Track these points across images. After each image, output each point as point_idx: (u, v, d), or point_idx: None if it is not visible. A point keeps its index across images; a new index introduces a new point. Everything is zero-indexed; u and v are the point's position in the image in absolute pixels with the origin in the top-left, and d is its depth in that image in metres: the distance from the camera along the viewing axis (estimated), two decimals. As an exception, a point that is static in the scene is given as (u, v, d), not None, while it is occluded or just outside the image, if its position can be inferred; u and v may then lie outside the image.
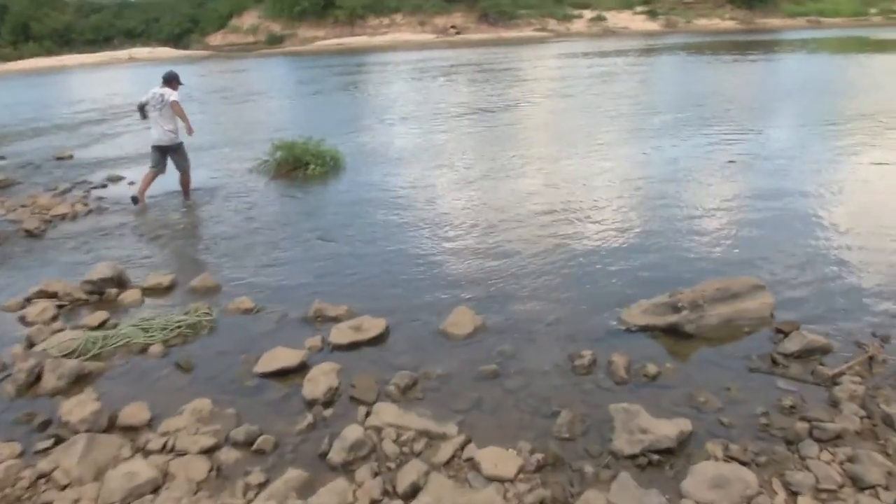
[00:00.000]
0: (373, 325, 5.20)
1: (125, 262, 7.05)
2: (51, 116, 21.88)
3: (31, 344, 5.31)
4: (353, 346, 5.02)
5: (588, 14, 68.39)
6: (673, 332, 5.00)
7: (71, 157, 13.72)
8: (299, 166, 10.70)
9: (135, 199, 9.36)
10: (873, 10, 67.80)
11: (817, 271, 6.09)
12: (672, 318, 5.04)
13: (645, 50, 38.52)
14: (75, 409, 4.21)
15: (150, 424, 4.17)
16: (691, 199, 8.50)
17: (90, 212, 9.26)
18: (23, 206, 9.47)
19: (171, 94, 9.23)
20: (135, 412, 4.24)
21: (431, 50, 50.08)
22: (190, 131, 9.30)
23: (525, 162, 10.88)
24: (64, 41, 74.49)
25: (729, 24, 66.61)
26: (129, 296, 6.14)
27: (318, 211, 8.77)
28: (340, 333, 5.12)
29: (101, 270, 6.30)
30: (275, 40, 69.88)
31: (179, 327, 5.38)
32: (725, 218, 7.71)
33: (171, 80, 9.45)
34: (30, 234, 8.27)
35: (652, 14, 67.89)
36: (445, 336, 5.12)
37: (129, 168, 12.22)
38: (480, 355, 4.80)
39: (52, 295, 6.16)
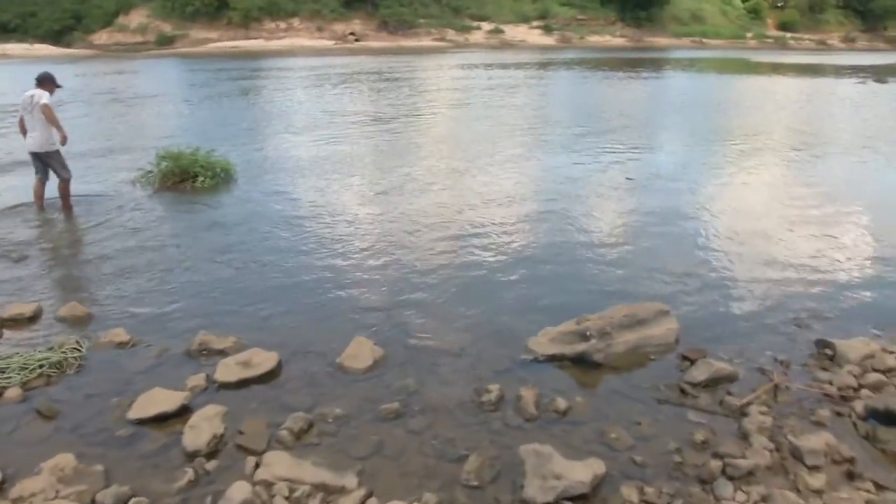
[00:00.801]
0: (263, 360, 4.78)
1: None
2: None
3: None
4: (242, 383, 4.58)
5: (486, 26, 69.52)
6: (581, 362, 4.84)
7: (-75, 163, 12.42)
8: (187, 178, 10.03)
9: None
10: (749, 34, 72.69)
11: (717, 294, 6.13)
12: (580, 347, 4.89)
13: (541, 63, 39.33)
14: None
15: (1, 488, 3.61)
16: (594, 220, 8.49)
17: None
18: None
19: (42, 97, 8.44)
20: (-19, 474, 3.67)
21: (330, 56, 49.38)
22: (63, 140, 8.53)
23: (427, 177, 10.63)
24: (-74, 34, 68.76)
25: (619, 41, 69.30)
26: (-15, 328, 5.45)
27: (206, 229, 8.15)
28: (227, 370, 4.67)
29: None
30: (165, 41, 67.18)
31: (42, 367, 4.76)
32: (627, 239, 7.71)
33: (44, 81, 8.64)
34: None
35: (547, 29, 69.80)
36: (343, 370, 4.76)
37: (-4, 177, 11.18)
38: (381, 392, 4.48)
39: None
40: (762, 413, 4.09)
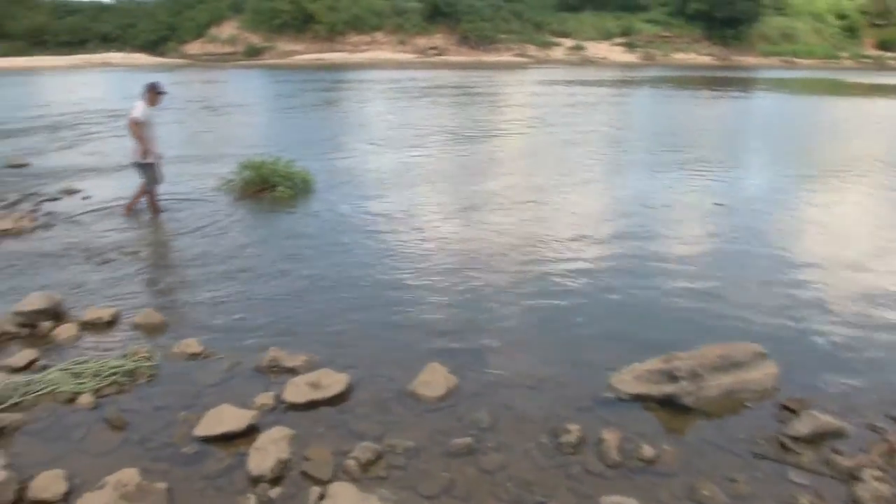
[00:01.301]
0: (333, 382, 4.61)
1: (66, 288, 6.41)
2: (14, 120, 20.96)
3: (-58, 388, 4.65)
4: (311, 405, 4.42)
5: (568, 42, 68.95)
6: (669, 404, 4.48)
7: (27, 164, 12.95)
8: (266, 187, 10.10)
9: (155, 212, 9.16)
10: (844, 54, 69.38)
11: (819, 334, 5.64)
12: (668, 388, 4.53)
13: (624, 81, 38.59)
14: (-24, 479, 3.57)
15: (66, 499, 3.55)
16: (681, 247, 8.02)
17: (37, 228, 8.56)
18: (-37, 219, 8.73)
19: (134, 110, 8.63)
20: (48, 483, 3.61)
21: (411, 69, 49.76)
22: (142, 154, 8.71)
23: (507, 195, 10.35)
24: (37, 42, 72.97)
25: (705, 59, 67.58)
26: (65, 331, 5.49)
27: (283, 240, 8.12)
28: (296, 390, 4.52)
29: (34, 301, 5.64)
30: (253, 52, 69.24)
31: (115, 374, 4.73)
32: (718, 269, 7.23)
33: (146, 92, 8.79)
34: (-35, 251, 7.57)
35: (630, 46, 68.64)
36: (415, 398, 4.55)
37: (88, 179, 11.55)
38: (453, 424, 4.24)
39: (-22, 327, 5.50)
40: (877, 479, 3.65)
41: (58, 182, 11.29)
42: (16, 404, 4.44)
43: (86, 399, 4.47)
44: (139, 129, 8.62)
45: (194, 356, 5.08)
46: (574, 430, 4.09)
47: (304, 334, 5.49)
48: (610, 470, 3.83)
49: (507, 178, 11.50)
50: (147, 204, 9.16)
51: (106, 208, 9.56)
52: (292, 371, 4.84)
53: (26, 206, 9.66)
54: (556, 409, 4.44)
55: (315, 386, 4.55)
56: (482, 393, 4.65)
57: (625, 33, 70.08)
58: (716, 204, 9.93)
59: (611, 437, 4.02)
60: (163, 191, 9.44)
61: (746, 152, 15.07)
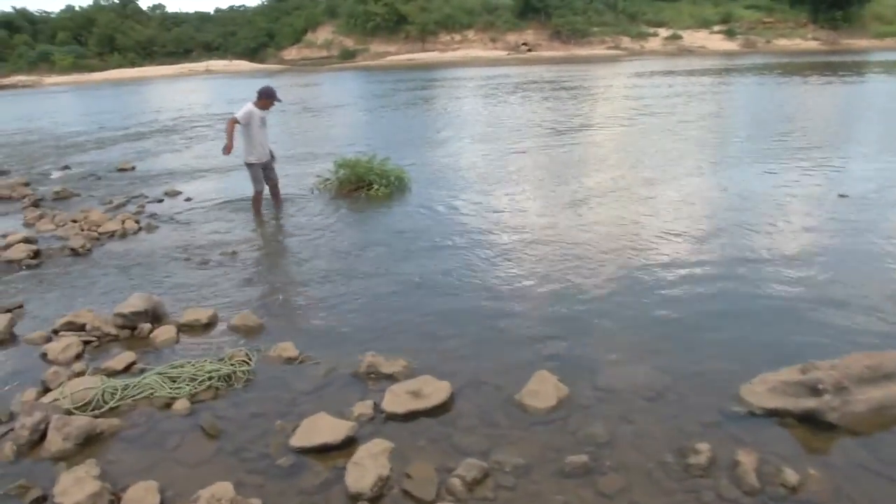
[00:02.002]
0: (435, 390, 4.30)
1: (166, 289, 6.41)
2: (124, 127, 21.94)
3: (45, 389, 4.62)
4: (411, 416, 4.12)
5: (663, 32, 66.64)
6: (809, 421, 3.92)
7: (133, 168, 13.41)
8: (362, 186, 9.95)
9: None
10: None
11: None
12: (809, 403, 3.97)
13: (726, 69, 36.84)
14: (71, 490, 3.44)
15: (159, 513, 3.38)
16: (807, 242, 7.27)
17: (140, 230, 8.71)
18: (73, 220, 8.98)
19: (239, 111, 8.72)
20: (141, 495, 3.44)
21: (502, 66, 49.35)
22: (225, 150, 8.74)
23: (609, 191, 9.80)
24: (146, 53, 76.92)
25: (811, 44, 63.89)
26: (163, 333, 5.41)
27: (379, 239, 7.90)
28: (396, 399, 4.23)
29: (134, 303, 5.60)
30: (347, 55, 70.54)
31: (211, 379, 4.58)
32: (853, 270, 6.48)
33: (260, 96, 8.89)
34: (75, 252, 7.73)
35: (730, 33, 65.65)
36: (522, 409, 4.17)
37: (190, 182, 11.80)
38: (566, 440, 3.84)
39: (81, 328, 5.50)
40: None
41: (162, 184, 11.56)
42: (113, 409, 4.35)
43: (181, 405, 4.34)
44: (231, 125, 8.63)
45: (290, 360, 4.89)
46: (703, 450, 3.60)
47: (403, 338, 5.20)
48: (748, 497, 3.33)
49: (609, 173, 10.93)
50: (252, 202, 9.22)
51: (206, 209, 9.68)
52: (391, 377, 4.55)
53: (131, 208, 9.89)
54: (680, 424, 3.97)
55: (415, 395, 4.25)
56: (596, 404, 4.22)
57: (724, 20, 67.06)
58: (840, 196, 9.05)
59: (747, 458, 3.52)
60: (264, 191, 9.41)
61: (868, 140, 13.84)
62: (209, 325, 5.58)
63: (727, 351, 4.88)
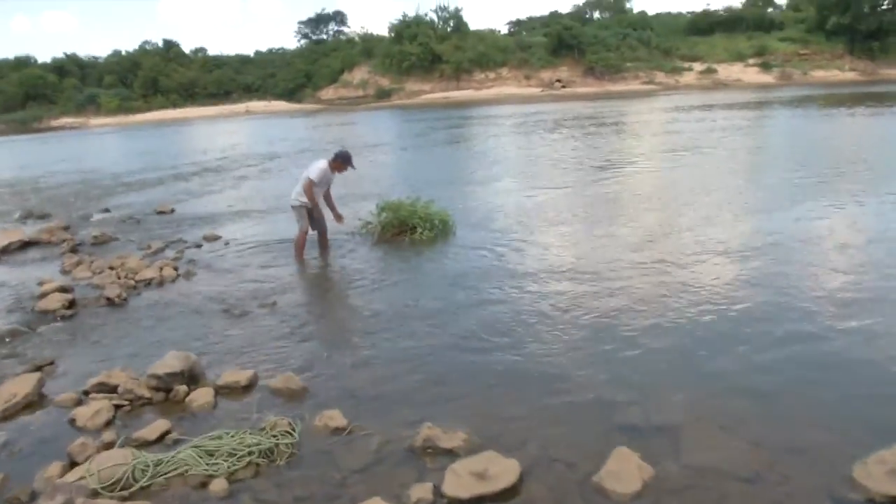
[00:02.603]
0: (502, 471, 3.75)
1: (203, 345, 5.99)
2: (164, 168, 22.02)
3: (71, 463, 4.18)
4: (476, 501, 3.57)
5: (698, 67, 66.21)
6: (948, 514, 3.31)
7: (172, 210, 13.21)
8: (405, 230, 9.51)
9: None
10: None
11: None
12: (949, 493, 3.35)
13: (764, 102, 36.17)
14: None
15: None
16: None
17: (178, 277, 8.36)
18: (111, 267, 8.68)
19: (313, 169, 8.57)
20: None
21: (537, 103, 49.21)
22: (337, 220, 9.10)
23: (664, 230, 9.22)
24: (188, 94, 78.70)
25: (849, 75, 62.86)
26: (200, 396, 4.96)
27: (427, 289, 7.40)
28: (459, 482, 3.69)
29: (169, 363, 5.17)
30: (383, 94, 71.24)
31: (251, 454, 4.10)
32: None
33: (336, 158, 8.78)
34: (111, 302, 7.38)
35: (765, 66, 64.98)
36: (603, 493, 3.60)
37: (229, 225, 11.53)
38: (661, 536, 3.27)
39: (113, 389, 5.08)
40: None
41: (201, 227, 11.31)
42: (144, 488, 3.88)
43: (219, 485, 3.85)
44: (311, 189, 8.52)
45: (338, 431, 4.37)
46: (832, 556, 3.01)
47: (460, 405, 4.66)
48: None
49: (662, 212, 10.34)
50: (294, 245, 8.89)
51: (246, 254, 9.37)
52: (451, 453, 4.02)
53: (170, 253, 9.58)
54: (791, 515, 3.37)
55: (480, 476, 3.70)
56: (687, 489, 3.63)
57: (759, 53, 66.47)
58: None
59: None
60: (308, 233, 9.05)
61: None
62: (248, 388, 5.11)
63: (828, 421, 4.26)
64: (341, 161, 8.71)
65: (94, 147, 37.27)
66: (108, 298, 7.43)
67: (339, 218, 9.08)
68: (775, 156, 16.10)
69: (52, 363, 5.86)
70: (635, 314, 6.16)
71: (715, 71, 64.74)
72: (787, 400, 4.54)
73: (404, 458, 4.07)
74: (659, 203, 11.11)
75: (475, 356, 5.49)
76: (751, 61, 66.00)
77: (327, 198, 8.95)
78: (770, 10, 76.16)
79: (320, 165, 8.57)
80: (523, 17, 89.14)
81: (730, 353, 5.28)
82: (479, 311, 6.53)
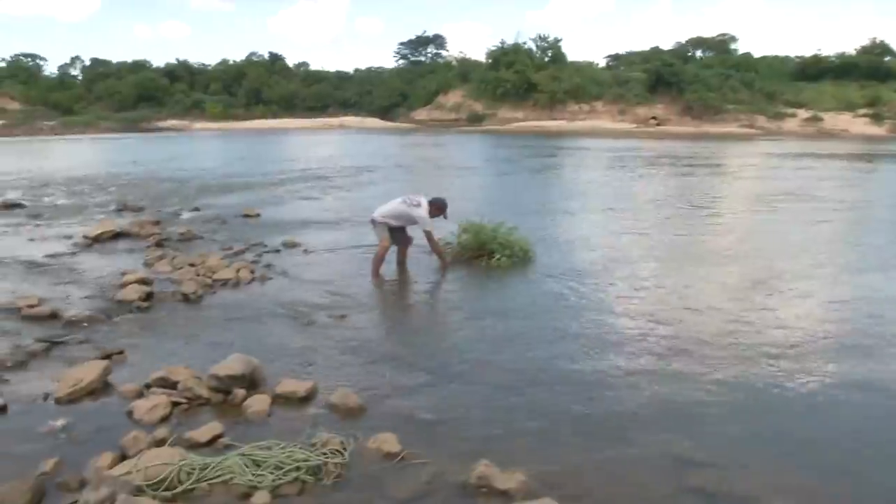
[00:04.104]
0: (560, 522, 3.46)
1: (267, 350, 5.90)
2: (260, 173, 22.65)
3: (122, 456, 4.13)
4: (528, 552, 3.30)
5: (803, 113, 63.68)
6: None
7: (258, 215, 13.45)
8: (483, 253, 9.30)
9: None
10: None
11: None
12: None
13: (875, 155, 34.28)
14: None
15: None
16: None
17: (254, 279, 8.40)
18: (191, 264, 8.82)
19: (420, 214, 8.47)
20: None
21: (631, 139, 48.41)
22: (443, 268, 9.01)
23: (756, 278, 8.64)
24: (288, 106, 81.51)
25: (973, 129, 59.09)
26: (256, 403, 4.85)
27: (501, 318, 7.11)
28: (511, 528, 3.42)
29: (232, 365, 5.10)
30: (476, 119, 71.75)
31: (299, 469, 3.94)
32: None
33: (433, 205, 8.64)
34: (185, 298, 7.46)
35: (877, 118, 61.71)
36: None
37: (311, 233, 11.61)
38: None
39: (173, 385, 5.04)
40: None
41: (283, 233, 11.39)
42: (187, 491, 3.77)
43: (261, 498, 3.70)
44: (435, 238, 8.72)
45: (390, 456, 4.16)
46: None
47: (522, 444, 4.36)
48: None
49: (752, 262, 9.68)
50: (373, 259, 8.77)
51: (323, 263, 9.39)
52: (505, 495, 3.74)
53: (249, 256, 9.67)
54: None
55: (535, 525, 3.42)
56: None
57: (871, 104, 63.27)
58: None
59: None
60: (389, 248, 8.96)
61: None
62: (306, 400, 4.98)
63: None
64: (438, 209, 8.64)
65: (195, 149, 38.88)
66: (184, 294, 7.52)
67: (444, 261, 9.02)
68: (884, 212, 15.08)
69: (121, 352, 5.90)
70: (720, 368, 5.71)
71: (821, 119, 62.09)
72: (869, 466, 4.07)
73: (456, 494, 3.82)
74: (754, 251, 10.49)
75: (542, 393, 5.18)
76: (861, 111, 62.91)
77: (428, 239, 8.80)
78: (887, 58, 72.57)
79: (424, 214, 8.44)
80: (623, 51, 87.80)
81: (825, 423, 4.79)
82: (550, 347, 6.21)
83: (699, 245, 11.05)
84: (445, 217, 8.81)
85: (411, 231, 8.94)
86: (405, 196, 8.72)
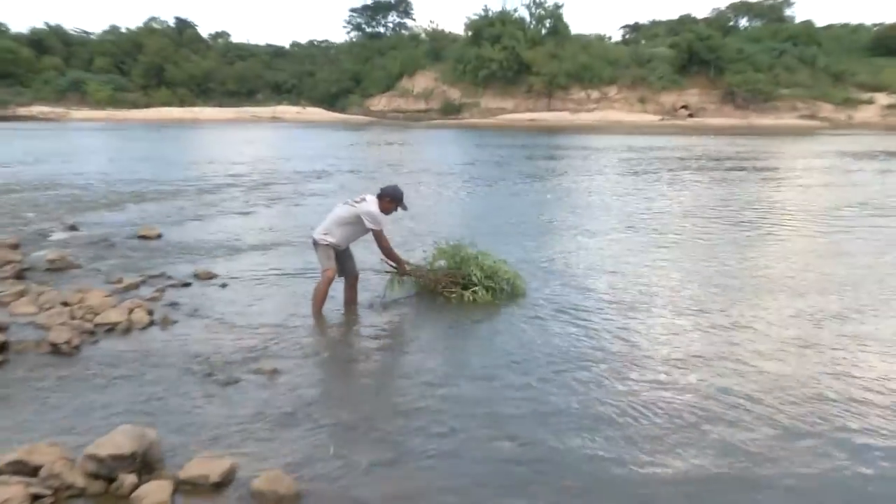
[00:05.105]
0: None
1: (168, 419, 5.78)
2: (160, 181, 22.50)
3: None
4: None
5: (883, 99, 64.57)
6: None
7: (159, 236, 13.30)
8: (457, 282, 9.34)
9: None
10: None
11: None
12: None
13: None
14: None
15: None
16: None
17: (152, 323, 8.25)
18: (64, 304, 8.63)
19: (369, 213, 8.53)
20: None
21: (655, 135, 49.06)
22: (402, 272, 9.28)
23: (823, 318, 8.70)
24: (202, 90, 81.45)
25: None
26: (152, 493, 4.65)
27: (479, 369, 7.07)
28: None
29: (118, 441, 4.92)
30: (451, 109, 72.45)
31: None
32: None
33: (383, 197, 8.73)
34: (56, 350, 7.27)
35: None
36: None
37: (232, 261, 11.47)
38: None
39: (34, 471, 4.86)
40: None
41: (193, 261, 11.30)
42: None
43: None
44: (386, 240, 8.79)
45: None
46: None
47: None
48: None
49: (816, 296, 9.72)
50: (314, 294, 8.78)
51: (248, 301, 9.29)
52: None
53: (146, 291, 9.50)
54: None
55: None
56: None
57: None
58: None
59: None
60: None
61: None
62: (221, 485, 4.82)
63: None
64: (389, 199, 8.67)
65: (74, 146, 38.55)
66: (54, 344, 7.32)
67: (403, 267, 9.19)
68: None
69: (-41, 427, 5.72)
70: (774, 436, 5.71)
71: (906, 106, 63.35)
72: None
73: None
74: (818, 280, 10.56)
75: (532, 473, 5.11)
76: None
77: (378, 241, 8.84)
78: None
79: (371, 207, 8.53)
80: (644, 20, 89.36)
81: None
82: (539, 419, 6.07)
83: (750, 275, 11.07)
84: (405, 208, 8.86)
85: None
86: (348, 198, 8.86)
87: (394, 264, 9.10)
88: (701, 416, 6.00)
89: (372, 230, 8.56)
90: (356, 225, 8.58)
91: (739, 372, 6.99)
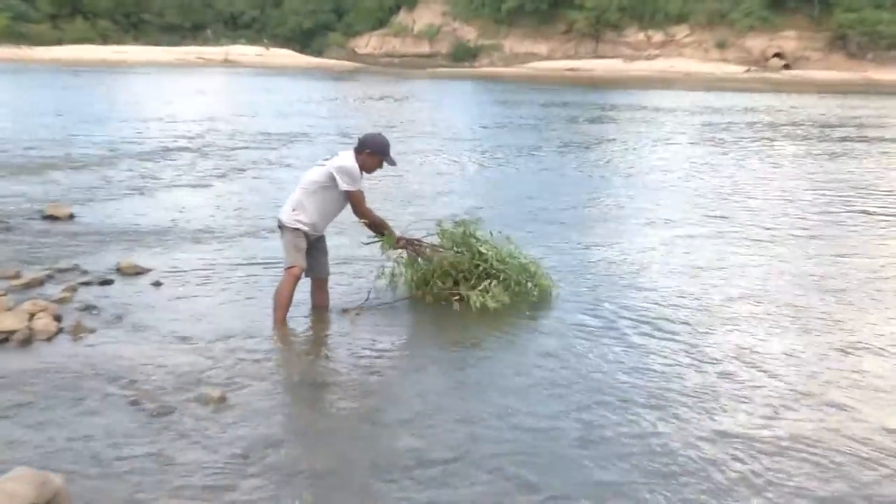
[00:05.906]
0: None
1: (80, 459, 5.82)
2: (76, 139, 22.63)
3: None
4: None
5: None
6: None
7: (71, 216, 13.33)
8: (465, 275, 9.42)
9: None
10: None
11: None
12: None
13: None
14: None
15: None
16: None
17: (60, 332, 8.27)
18: (-59, 305, 8.70)
19: (344, 171, 8.58)
20: None
21: (738, 91, 49.07)
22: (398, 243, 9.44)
23: None
24: (130, 24, 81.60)
25: None
26: (58, 560, 4.72)
27: (488, 402, 7.09)
28: None
29: (11, 489, 4.95)
30: (464, 54, 72.49)
31: None
32: None
33: (361, 149, 8.77)
34: (-72, 367, 7.35)
35: None
36: None
37: (170, 252, 11.53)
38: None
39: None
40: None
41: (118, 250, 11.35)
42: None
43: None
44: (362, 201, 8.90)
45: None
46: None
47: None
48: None
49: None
50: (276, 295, 8.83)
51: (188, 305, 9.36)
52: None
53: (53, 290, 9.53)
54: None
55: None
56: None
57: None
58: None
59: None
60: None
61: None
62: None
63: None
64: (371, 151, 8.67)
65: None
66: (-74, 360, 7.39)
67: (394, 236, 9.27)
68: None
69: None
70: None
71: None
72: None
73: None
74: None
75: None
76: None
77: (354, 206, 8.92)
78: None
79: (348, 161, 8.58)
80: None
81: None
82: (569, 463, 6.12)
83: (878, 278, 11.13)
84: (392, 163, 8.94)
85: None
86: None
87: (379, 236, 9.16)
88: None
89: (347, 192, 8.57)
90: (332, 189, 8.59)
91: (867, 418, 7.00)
